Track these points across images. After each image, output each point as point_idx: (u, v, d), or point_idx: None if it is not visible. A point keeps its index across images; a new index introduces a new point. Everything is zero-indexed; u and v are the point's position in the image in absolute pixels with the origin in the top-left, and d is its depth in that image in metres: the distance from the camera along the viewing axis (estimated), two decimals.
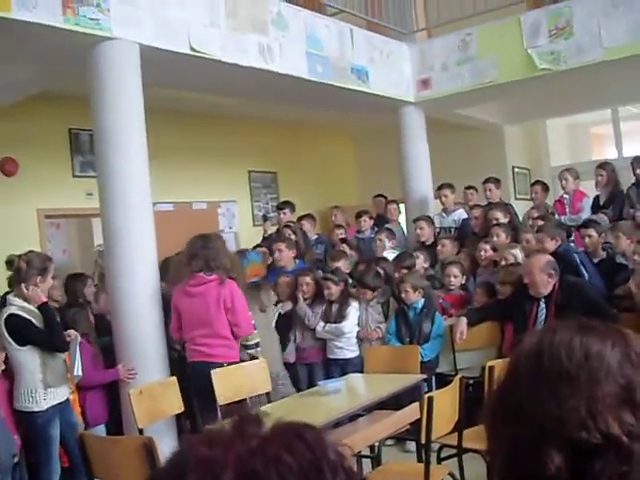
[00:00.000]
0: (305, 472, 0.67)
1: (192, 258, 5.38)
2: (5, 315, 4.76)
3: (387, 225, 8.84)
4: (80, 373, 5.28)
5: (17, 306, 4.80)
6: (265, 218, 9.20)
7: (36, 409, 4.76)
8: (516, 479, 0.99)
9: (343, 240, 8.66)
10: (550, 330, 1.04)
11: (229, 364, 5.32)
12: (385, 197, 9.99)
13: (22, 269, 4.85)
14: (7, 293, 5.29)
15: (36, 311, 4.84)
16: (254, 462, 0.68)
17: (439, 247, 7.45)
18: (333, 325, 6.41)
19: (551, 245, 6.31)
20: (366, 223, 8.86)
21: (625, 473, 0.88)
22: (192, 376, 5.31)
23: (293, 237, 7.86)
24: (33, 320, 4.79)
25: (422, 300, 6.23)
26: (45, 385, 4.79)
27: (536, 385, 0.97)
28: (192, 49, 6.01)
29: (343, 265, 7.11)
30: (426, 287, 6.47)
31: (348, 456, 0.72)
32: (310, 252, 8.04)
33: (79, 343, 5.30)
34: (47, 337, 4.81)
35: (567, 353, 0.97)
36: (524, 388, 0.98)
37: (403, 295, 6.24)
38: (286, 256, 7.32)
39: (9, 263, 4.94)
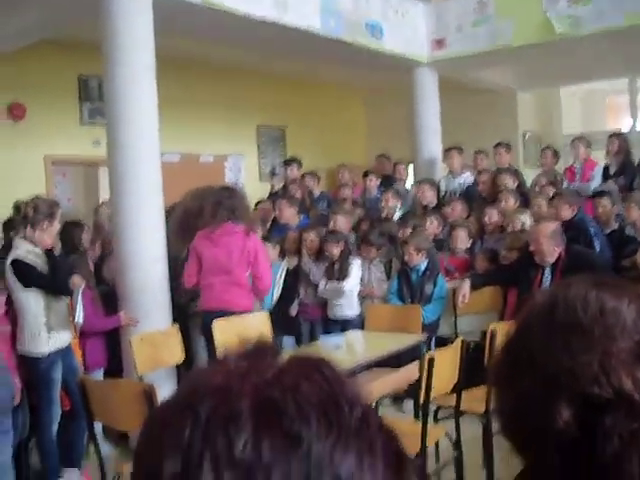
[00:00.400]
0: (323, 403, 0.66)
1: (218, 207, 5.40)
2: (11, 258, 4.77)
3: (394, 185, 8.78)
4: (81, 320, 5.29)
5: (24, 249, 4.80)
6: (272, 174, 9.16)
7: (39, 353, 4.78)
8: (523, 434, 0.98)
9: (350, 200, 8.63)
10: (565, 284, 1.02)
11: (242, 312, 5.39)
12: (388, 157, 9.92)
13: (29, 214, 4.85)
14: (7, 238, 5.30)
15: (41, 254, 4.84)
16: (271, 391, 0.66)
17: (448, 209, 7.38)
18: (334, 283, 6.38)
19: (568, 212, 6.25)
20: (372, 182, 8.80)
21: (636, 430, 0.87)
22: (206, 322, 5.29)
23: (298, 194, 7.84)
24: (38, 262, 4.80)
25: (425, 262, 6.21)
26: (48, 328, 4.80)
27: (549, 337, 0.95)
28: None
29: (343, 221, 7.05)
30: (430, 248, 6.45)
31: (365, 394, 0.71)
32: (314, 208, 8.03)
33: (81, 290, 5.31)
34: (51, 281, 4.82)
35: (582, 306, 0.96)
36: (537, 340, 0.97)
37: (406, 257, 6.22)
38: (288, 213, 7.31)
39: (16, 208, 4.94)
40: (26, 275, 4.76)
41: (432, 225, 7.00)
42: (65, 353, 4.96)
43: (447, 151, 8.39)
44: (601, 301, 0.96)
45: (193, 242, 5.48)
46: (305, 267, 6.60)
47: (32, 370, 4.81)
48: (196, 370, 0.73)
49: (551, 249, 5.44)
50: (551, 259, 5.47)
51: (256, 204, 8.20)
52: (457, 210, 7.32)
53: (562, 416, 0.89)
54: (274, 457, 0.62)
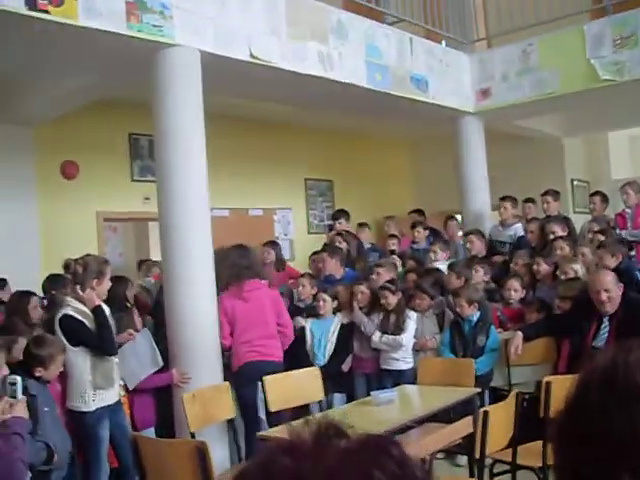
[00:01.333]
0: None
1: (244, 267, 5.81)
2: (60, 315, 4.83)
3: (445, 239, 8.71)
4: (161, 362, 5.33)
5: (72, 307, 4.87)
6: (330, 229, 9.12)
7: (85, 409, 4.82)
8: None
9: (393, 252, 8.61)
10: (624, 349, 1.00)
11: (279, 362, 5.71)
12: (420, 211, 9.86)
13: (78, 272, 4.93)
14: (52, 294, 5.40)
15: (89, 314, 4.89)
16: (346, 477, 0.65)
17: (512, 264, 7.26)
18: (391, 337, 6.28)
19: (611, 262, 6.14)
20: (420, 234, 8.76)
21: None
22: (249, 376, 5.52)
23: (344, 245, 7.85)
24: (86, 322, 4.85)
25: (477, 313, 6.15)
26: (94, 386, 4.84)
27: (609, 404, 0.93)
28: (252, 56, 6.05)
29: (386, 273, 6.99)
30: (482, 299, 6.38)
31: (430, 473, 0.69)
32: (362, 260, 8.00)
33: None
34: (98, 340, 4.86)
35: None
36: (596, 407, 0.94)
37: (458, 309, 6.16)
38: (330, 264, 7.31)
39: (66, 267, 5.03)
40: (74, 333, 4.82)
41: (478, 274, 6.92)
42: (113, 410, 4.99)
43: (501, 200, 8.33)
44: None
45: (221, 304, 5.69)
46: (356, 320, 6.55)
47: (79, 426, 4.85)
48: (266, 447, 0.72)
49: (619, 296, 5.32)
50: (615, 307, 5.33)
51: (311, 255, 8.21)
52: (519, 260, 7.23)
53: None
54: None
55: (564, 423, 1.00)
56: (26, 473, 3.46)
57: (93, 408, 4.84)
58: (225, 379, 5.52)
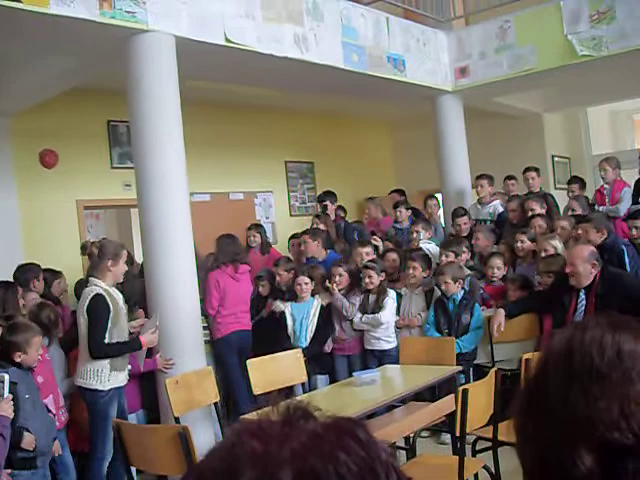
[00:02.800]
0: (362, 472, 0.66)
1: (238, 254, 6.83)
2: (93, 293, 4.91)
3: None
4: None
5: (101, 287, 4.98)
6: (318, 217, 9.10)
7: (100, 388, 4.93)
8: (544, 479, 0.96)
9: (373, 233, 8.63)
10: (580, 328, 1.01)
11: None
12: (401, 191, 9.87)
13: (94, 254, 5.00)
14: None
15: (116, 297, 5.04)
16: (312, 460, 0.65)
17: (474, 240, 7.34)
18: (371, 315, 6.35)
19: (596, 237, 6.16)
20: (402, 214, 8.76)
21: None
22: (234, 341, 6.58)
23: (322, 227, 7.87)
24: (110, 307, 4.94)
25: (462, 291, 6.18)
26: (111, 367, 4.96)
27: (566, 384, 0.94)
28: (227, 40, 6.02)
29: (368, 253, 7.01)
30: (471, 277, 6.43)
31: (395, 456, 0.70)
32: (340, 242, 8.02)
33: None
34: (90, 337, 4.91)
35: (598, 351, 0.95)
36: (554, 387, 0.96)
37: (443, 287, 6.19)
38: (312, 247, 7.33)
39: (83, 249, 5.18)
40: (94, 314, 4.90)
41: (464, 254, 6.95)
42: (120, 393, 5.10)
43: (477, 179, 8.35)
44: (617, 344, 0.95)
45: (215, 277, 6.67)
46: (337, 303, 6.57)
47: (91, 403, 4.95)
48: (233, 430, 0.72)
49: (587, 271, 5.38)
50: (587, 281, 5.40)
51: (290, 238, 8.23)
52: (481, 240, 7.26)
53: (584, 463, 0.88)
54: None
55: (523, 412, 1.02)
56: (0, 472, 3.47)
57: (107, 388, 4.96)
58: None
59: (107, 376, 4.95)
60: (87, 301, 4.91)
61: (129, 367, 5.24)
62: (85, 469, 5.09)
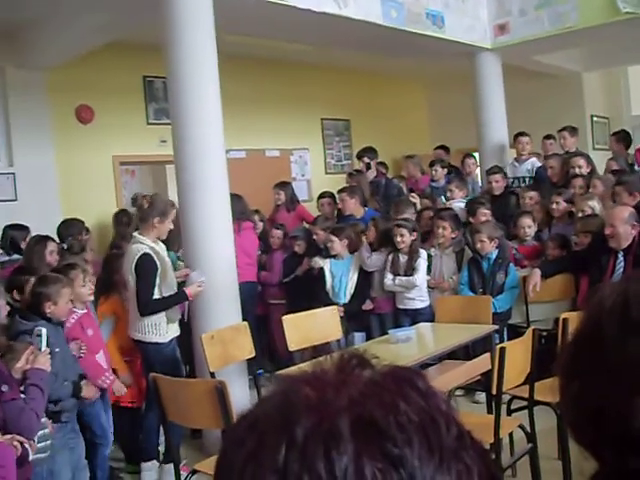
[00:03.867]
0: (422, 423, 0.64)
1: (243, 213, 6.95)
2: (141, 253, 4.94)
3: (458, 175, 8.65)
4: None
5: (147, 245, 5.01)
6: (350, 175, 9.05)
7: (161, 340, 5.04)
8: (598, 435, 0.95)
9: (412, 190, 8.58)
10: (634, 280, 0.99)
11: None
12: (446, 148, 9.80)
13: (143, 207, 5.10)
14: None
15: (162, 254, 5.09)
16: (370, 408, 0.63)
17: (522, 199, 7.21)
18: (404, 278, 6.26)
19: (629, 200, 6.07)
20: (438, 172, 8.69)
21: None
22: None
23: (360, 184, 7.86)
24: (158, 264, 4.98)
25: (496, 251, 6.13)
26: (168, 319, 5.06)
27: (624, 334, 0.92)
28: None
29: (409, 215, 6.98)
30: (500, 237, 6.37)
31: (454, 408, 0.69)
32: (373, 200, 7.98)
33: None
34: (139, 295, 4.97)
35: None
36: (610, 338, 0.94)
37: (478, 245, 6.14)
38: (349, 204, 7.32)
39: (134, 200, 5.19)
40: (143, 273, 4.94)
41: (484, 210, 6.85)
42: (175, 343, 5.22)
43: (516, 136, 8.24)
44: None
45: None
46: (361, 255, 6.54)
47: (156, 355, 5.03)
48: (285, 378, 0.70)
49: (627, 233, 5.32)
50: (626, 243, 5.34)
51: (318, 197, 8.22)
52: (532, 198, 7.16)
53: None
54: None
55: (575, 355, 1.00)
56: (38, 423, 3.53)
57: (168, 339, 5.07)
58: None
59: (165, 328, 5.04)
60: (134, 261, 4.93)
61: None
62: (141, 422, 5.18)
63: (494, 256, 6.12)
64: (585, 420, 0.96)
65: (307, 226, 7.76)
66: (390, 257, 6.41)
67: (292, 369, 4.51)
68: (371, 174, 8.65)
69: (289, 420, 0.63)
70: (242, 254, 6.73)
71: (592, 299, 1.02)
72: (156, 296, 4.99)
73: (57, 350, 4.11)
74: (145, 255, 4.93)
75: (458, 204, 7.30)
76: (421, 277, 6.28)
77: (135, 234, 5.12)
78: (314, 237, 7.15)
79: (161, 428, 4.85)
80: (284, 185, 8.41)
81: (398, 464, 0.60)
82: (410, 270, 6.28)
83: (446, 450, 0.63)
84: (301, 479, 0.59)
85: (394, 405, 0.64)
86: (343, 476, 0.59)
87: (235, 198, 6.65)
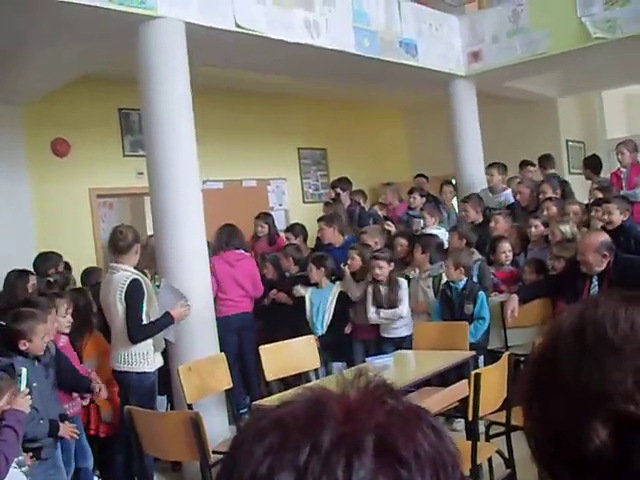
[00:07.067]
0: (434, 457, 0.68)
1: (231, 240, 6.91)
2: (130, 279, 4.93)
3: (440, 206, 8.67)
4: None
5: (132, 272, 5.03)
6: (327, 204, 9.09)
7: (148, 369, 5.01)
8: (556, 457, 0.95)
9: (386, 218, 8.62)
10: (592, 303, 1.00)
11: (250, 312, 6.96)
12: (426, 177, 9.86)
13: (121, 238, 5.10)
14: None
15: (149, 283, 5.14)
16: (394, 434, 0.67)
17: (492, 224, 7.25)
18: (389, 311, 6.19)
19: (619, 218, 6.11)
20: (416, 200, 8.73)
21: None
22: (232, 322, 6.58)
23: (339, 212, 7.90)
24: (145, 293, 4.99)
25: (464, 279, 6.00)
26: (155, 348, 5.06)
27: (579, 358, 0.93)
28: (237, 25, 5.99)
29: (370, 239, 7.01)
30: (481, 262, 6.37)
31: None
32: (349, 227, 8.00)
33: None
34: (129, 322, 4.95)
35: (612, 324, 0.94)
36: (566, 362, 0.94)
37: (444, 272, 6.11)
38: (328, 233, 7.33)
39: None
40: (137, 297, 4.93)
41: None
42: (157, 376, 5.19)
43: (488, 168, 8.31)
44: (631, 317, 0.94)
45: (212, 263, 6.37)
46: (344, 285, 6.53)
47: (138, 387, 4.96)
48: (316, 389, 0.74)
49: (598, 260, 5.33)
50: (599, 269, 5.36)
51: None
52: (500, 223, 7.16)
53: (599, 436, 0.87)
54: None
55: (533, 381, 1.00)
56: (7, 467, 3.44)
57: (154, 369, 5.06)
58: None
59: (152, 357, 5.03)
60: (125, 287, 4.91)
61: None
62: (114, 454, 5.13)
63: (461, 285, 5.99)
64: (545, 441, 0.96)
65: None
66: (370, 289, 6.33)
67: (269, 399, 4.49)
68: (345, 203, 8.69)
69: (317, 425, 0.67)
70: (235, 286, 6.81)
71: (553, 322, 1.02)
72: (144, 322, 4.98)
73: (34, 385, 4.07)
74: (135, 281, 4.94)
75: (435, 231, 7.30)
76: (405, 307, 6.22)
77: (113, 264, 5.11)
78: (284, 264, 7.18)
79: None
80: (267, 216, 8.42)
81: None
82: (393, 301, 6.22)
83: None
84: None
85: (413, 436, 0.68)
86: None
87: (226, 228, 6.91)
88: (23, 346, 4.23)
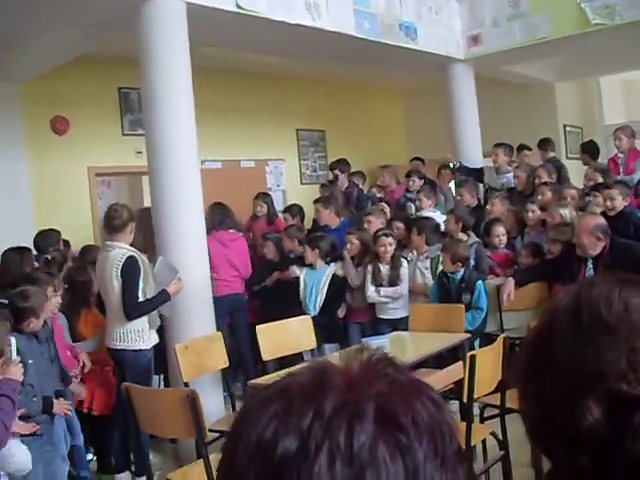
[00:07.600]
0: (432, 428, 0.70)
1: (225, 219, 6.93)
2: (126, 256, 4.95)
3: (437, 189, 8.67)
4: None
5: (128, 249, 5.04)
6: (323, 186, 9.12)
7: (144, 347, 5.03)
8: (550, 435, 0.98)
9: (381, 199, 8.66)
10: (587, 284, 1.03)
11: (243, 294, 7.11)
12: (422, 160, 9.87)
13: (116, 216, 5.11)
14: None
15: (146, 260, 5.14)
16: (394, 402, 0.70)
17: (488, 206, 7.29)
18: (390, 289, 6.21)
19: (621, 203, 6.13)
20: (415, 183, 8.73)
21: None
22: (225, 303, 6.54)
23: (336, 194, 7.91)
24: (142, 269, 5.02)
25: (462, 271, 5.95)
26: (150, 325, 5.08)
27: (574, 338, 0.96)
28: (238, 6, 5.98)
29: (376, 220, 7.02)
30: (477, 244, 6.40)
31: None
32: (345, 209, 8.01)
33: None
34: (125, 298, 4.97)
35: (606, 305, 0.97)
36: (561, 342, 0.97)
37: (442, 263, 6.11)
38: (324, 215, 7.35)
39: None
40: (133, 273, 4.95)
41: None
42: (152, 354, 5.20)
43: (494, 147, 8.30)
44: (625, 298, 0.97)
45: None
46: (345, 271, 6.52)
47: (134, 364, 4.98)
48: (321, 361, 0.77)
49: (593, 243, 5.36)
50: (593, 252, 5.38)
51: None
52: (497, 206, 7.20)
53: (592, 414, 0.90)
54: (385, 462, 0.66)
55: (529, 361, 1.03)
56: (6, 434, 3.48)
57: (150, 346, 5.07)
58: None
59: (148, 334, 5.05)
60: (121, 264, 4.93)
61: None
62: (111, 432, 5.16)
63: (459, 276, 5.95)
64: (540, 420, 0.99)
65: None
66: (370, 268, 6.35)
67: (264, 378, 4.53)
68: (343, 185, 8.70)
69: (320, 393, 0.69)
70: (229, 266, 6.87)
71: (548, 303, 1.06)
72: (141, 299, 4.99)
73: (31, 362, 4.08)
74: (131, 257, 4.96)
75: (430, 213, 7.31)
76: (406, 286, 6.26)
77: (109, 242, 5.12)
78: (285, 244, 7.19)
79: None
80: (266, 196, 8.43)
81: (406, 454, 0.67)
82: (394, 280, 6.25)
83: (447, 457, 0.70)
84: (321, 445, 0.65)
85: (413, 405, 0.70)
86: (358, 451, 0.65)
87: (218, 207, 6.84)
88: (30, 323, 4.24)
